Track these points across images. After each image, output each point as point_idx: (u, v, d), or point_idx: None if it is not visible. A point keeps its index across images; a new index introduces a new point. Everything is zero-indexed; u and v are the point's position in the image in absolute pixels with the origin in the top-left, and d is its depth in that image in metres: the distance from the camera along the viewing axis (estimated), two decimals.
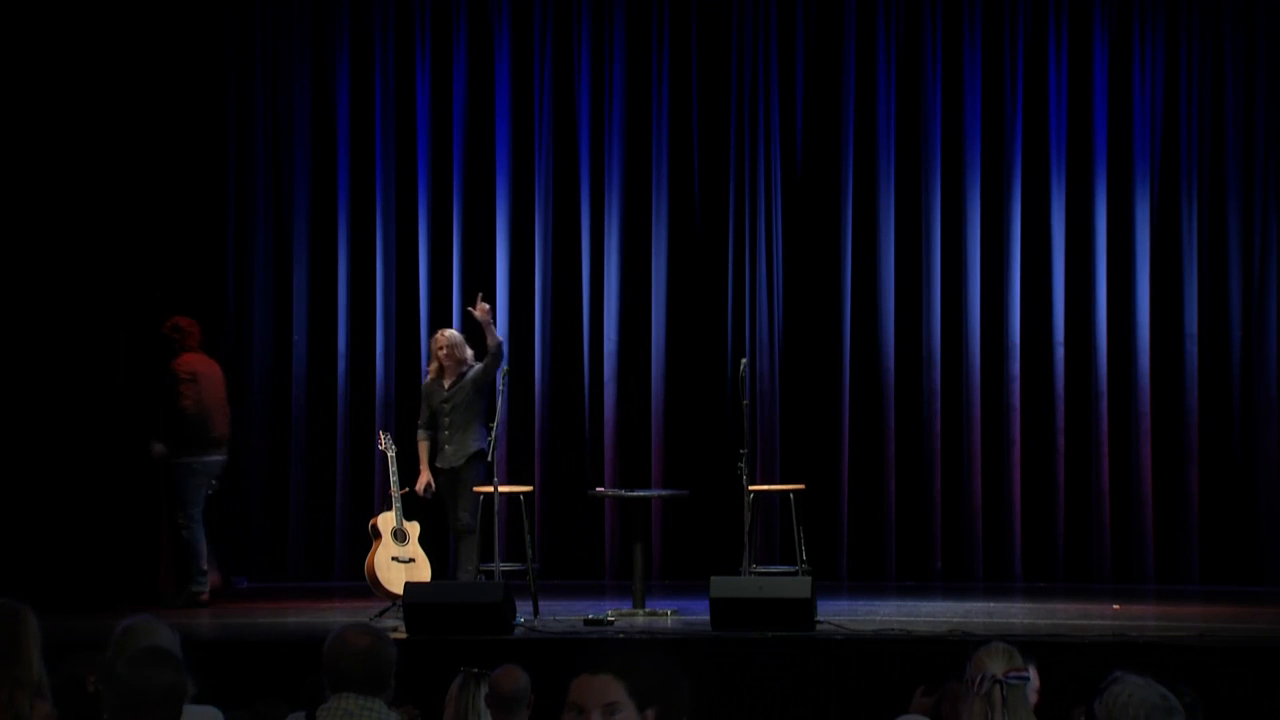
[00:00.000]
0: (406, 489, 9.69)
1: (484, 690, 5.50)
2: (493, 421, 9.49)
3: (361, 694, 4.40)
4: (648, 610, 9.51)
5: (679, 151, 11.61)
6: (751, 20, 11.54)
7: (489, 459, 9.53)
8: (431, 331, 11.55)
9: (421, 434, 9.88)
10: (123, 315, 11.12)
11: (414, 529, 9.64)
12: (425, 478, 9.83)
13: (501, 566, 9.39)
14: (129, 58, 11.08)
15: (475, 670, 5.55)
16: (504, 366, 10.53)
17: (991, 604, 10.12)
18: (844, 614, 9.27)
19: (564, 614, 9.29)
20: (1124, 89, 11.36)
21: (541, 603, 9.35)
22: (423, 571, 9.55)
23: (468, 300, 11.60)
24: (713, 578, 8.83)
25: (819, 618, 8.68)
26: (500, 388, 9.78)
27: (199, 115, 11.33)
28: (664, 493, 10.98)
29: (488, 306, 9.84)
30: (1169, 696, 3.93)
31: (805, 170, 11.59)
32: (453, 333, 10.09)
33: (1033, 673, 4.84)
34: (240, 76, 11.56)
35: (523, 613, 9.03)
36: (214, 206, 11.45)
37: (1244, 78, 11.27)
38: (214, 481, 10.25)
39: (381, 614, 9.16)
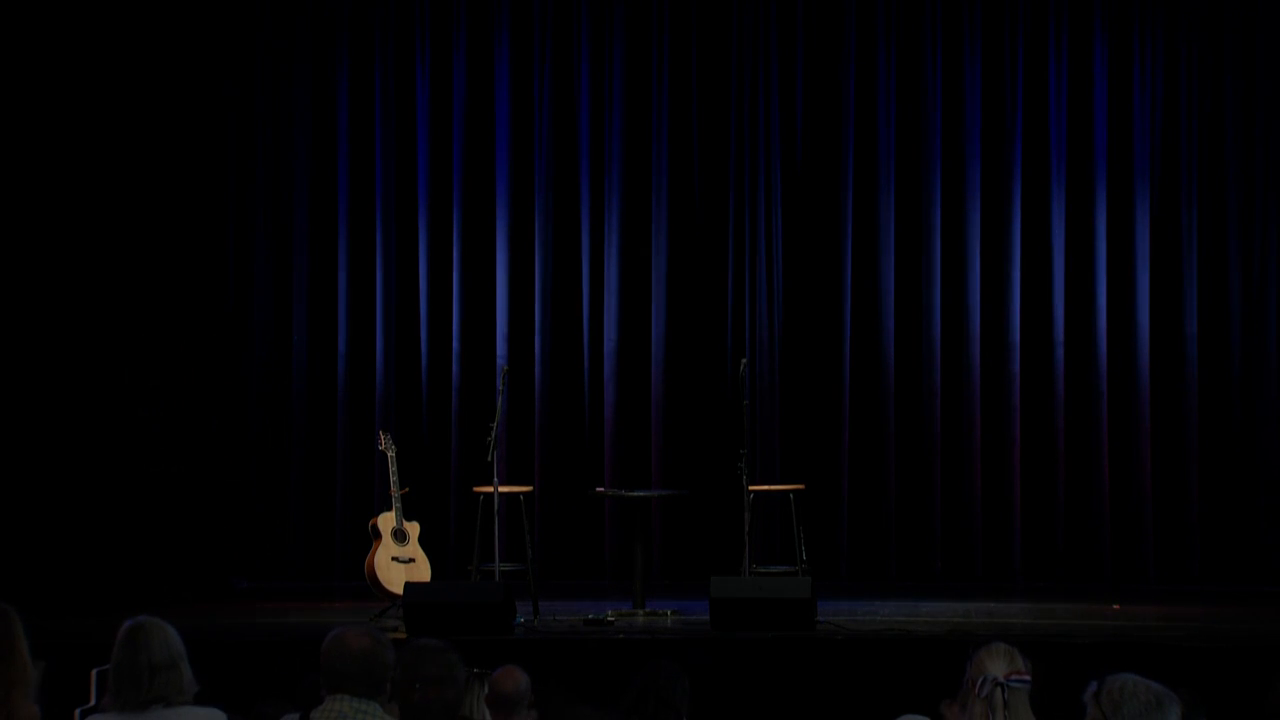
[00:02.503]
0: (406, 489, 9.69)
1: (484, 690, 5.50)
2: (493, 421, 9.49)
3: (357, 696, 4.39)
4: (648, 610, 9.50)
5: (679, 151, 11.59)
6: (751, 20, 11.53)
7: (489, 458, 9.49)
8: (431, 331, 11.57)
9: None
10: (126, 316, 11.13)
11: (414, 529, 9.64)
12: None
13: (501, 566, 9.39)
14: (131, 62, 11.10)
15: (475, 670, 5.55)
16: (504, 365, 10.53)
17: (991, 604, 10.11)
18: (844, 614, 9.27)
19: (564, 614, 9.29)
20: (1124, 87, 11.35)
21: (541, 603, 9.34)
22: (423, 571, 9.54)
23: (468, 299, 11.61)
24: (713, 578, 8.83)
25: (819, 618, 8.68)
26: (500, 387, 9.78)
27: (200, 118, 11.32)
28: (664, 493, 10.96)
29: None
30: (1164, 688, 3.93)
31: (805, 170, 11.58)
32: None
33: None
34: (241, 81, 11.52)
35: (523, 613, 9.02)
36: (214, 206, 11.43)
37: (1243, 78, 11.25)
38: None
39: (382, 614, 9.16)
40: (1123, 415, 11.27)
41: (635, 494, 10.24)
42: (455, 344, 11.56)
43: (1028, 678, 4.21)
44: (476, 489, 9.81)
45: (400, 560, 9.49)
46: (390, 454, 9.68)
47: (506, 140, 11.57)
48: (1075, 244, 11.35)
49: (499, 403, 9.70)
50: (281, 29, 11.55)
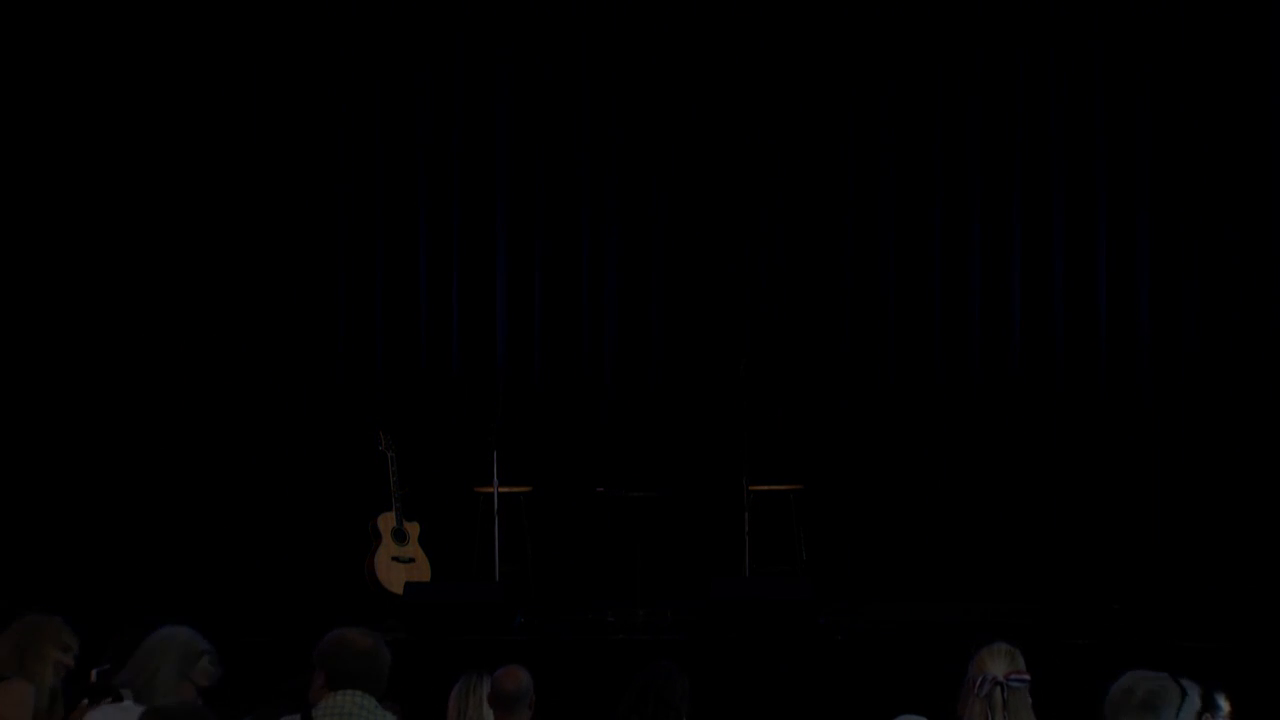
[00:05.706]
0: (407, 489, 9.69)
1: (485, 690, 5.51)
2: (493, 421, 9.49)
3: (357, 693, 4.40)
4: (648, 610, 9.50)
5: (680, 148, 11.57)
6: (754, 22, 11.51)
7: (489, 458, 9.49)
8: (431, 331, 11.55)
9: None
10: (122, 316, 11.13)
11: (414, 529, 9.64)
12: None
13: (501, 567, 9.39)
14: (127, 57, 11.14)
15: (477, 670, 5.56)
16: (503, 365, 10.51)
17: (992, 604, 10.11)
18: (844, 614, 9.27)
19: (564, 614, 9.29)
20: (1125, 86, 11.35)
21: (541, 603, 9.34)
22: (423, 571, 9.55)
23: (467, 299, 11.59)
24: (713, 578, 8.84)
25: (819, 618, 8.69)
26: (500, 388, 9.78)
27: (198, 118, 11.34)
28: (664, 492, 10.95)
29: None
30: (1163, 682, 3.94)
31: (808, 169, 11.57)
32: None
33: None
34: (239, 80, 11.53)
35: (522, 613, 9.02)
36: (211, 206, 11.43)
37: (1244, 79, 11.26)
38: None
39: (381, 614, 9.14)
40: (1124, 412, 11.26)
41: (635, 494, 10.24)
42: (455, 344, 11.55)
43: (1027, 677, 4.21)
44: (476, 489, 9.80)
45: (400, 560, 9.50)
46: (390, 454, 9.68)
47: (507, 136, 11.56)
48: (1076, 242, 11.34)
49: (499, 402, 9.70)
50: (284, 29, 11.53)
